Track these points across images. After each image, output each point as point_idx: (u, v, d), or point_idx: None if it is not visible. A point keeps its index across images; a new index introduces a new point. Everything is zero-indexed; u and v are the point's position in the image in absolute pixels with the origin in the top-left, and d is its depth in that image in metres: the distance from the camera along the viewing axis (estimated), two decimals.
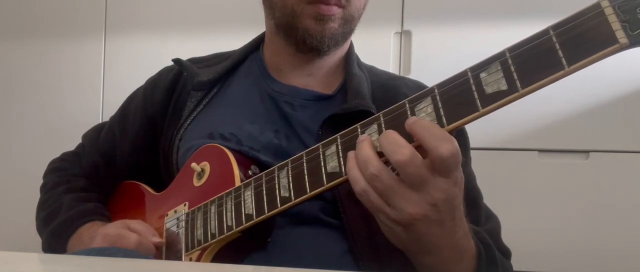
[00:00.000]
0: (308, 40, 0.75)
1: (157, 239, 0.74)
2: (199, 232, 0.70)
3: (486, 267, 0.60)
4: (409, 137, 0.51)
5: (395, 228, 0.54)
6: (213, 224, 0.68)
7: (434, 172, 0.50)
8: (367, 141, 0.53)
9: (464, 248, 0.58)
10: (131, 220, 0.78)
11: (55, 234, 0.82)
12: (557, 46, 0.45)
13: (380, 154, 0.52)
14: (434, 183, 0.50)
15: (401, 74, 1.44)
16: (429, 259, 0.57)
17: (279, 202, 0.61)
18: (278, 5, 0.77)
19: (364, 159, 0.52)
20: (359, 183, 0.52)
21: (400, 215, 0.52)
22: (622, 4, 0.42)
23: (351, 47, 0.86)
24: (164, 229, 0.77)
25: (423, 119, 0.51)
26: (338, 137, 0.58)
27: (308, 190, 0.58)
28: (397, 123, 0.53)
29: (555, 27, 0.46)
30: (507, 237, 0.75)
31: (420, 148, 0.51)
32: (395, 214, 0.52)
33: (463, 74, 0.51)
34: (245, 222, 0.64)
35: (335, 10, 0.74)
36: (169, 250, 0.75)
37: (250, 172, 0.71)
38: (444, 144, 0.49)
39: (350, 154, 0.54)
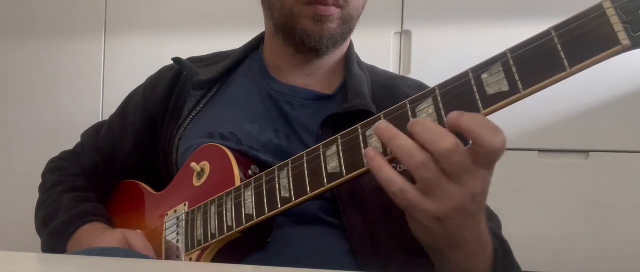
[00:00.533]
0: (306, 41, 0.75)
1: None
2: (199, 232, 0.70)
3: (502, 261, 0.59)
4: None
5: (433, 225, 0.51)
6: (213, 224, 0.68)
7: (477, 163, 0.48)
8: (393, 128, 0.50)
9: (486, 241, 0.56)
10: (131, 232, 0.77)
11: (55, 234, 0.82)
12: (559, 47, 0.45)
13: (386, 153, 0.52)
14: (476, 173, 0.48)
15: (401, 74, 1.44)
16: (456, 253, 0.55)
17: (279, 202, 0.61)
18: (276, 6, 0.77)
19: (408, 148, 0.49)
20: (396, 183, 0.50)
21: (441, 209, 0.49)
22: (625, 5, 0.42)
23: (351, 46, 0.86)
24: (164, 229, 0.77)
25: (468, 113, 0.48)
26: (339, 137, 0.58)
27: (308, 190, 0.58)
28: (398, 123, 0.53)
29: (557, 28, 0.46)
30: (507, 237, 0.75)
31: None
32: (435, 208, 0.50)
33: (464, 74, 0.50)
34: (246, 223, 0.64)
35: (334, 11, 0.73)
36: (168, 250, 0.75)
37: (250, 172, 0.71)
38: (498, 136, 0.47)
39: (371, 152, 0.51)
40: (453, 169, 0.48)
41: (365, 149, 0.54)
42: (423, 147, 0.49)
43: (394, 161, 0.52)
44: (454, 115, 0.48)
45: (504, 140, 0.47)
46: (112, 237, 0.76)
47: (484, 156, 0.48)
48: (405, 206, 0.51)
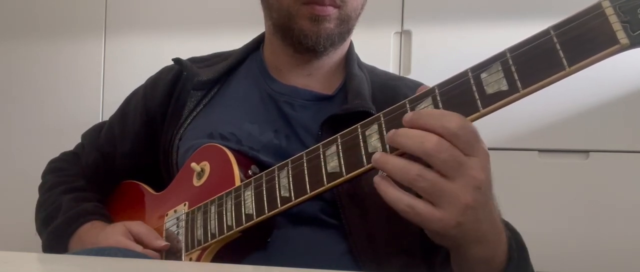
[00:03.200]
0: (304, 41, 0.75)
1: (160, 243, 0.73)
2: (199, 232, 0.70)
3: (515, 248, 0.57)
4: None
5: (452, 231, 0.50)
6: (213, 224, 0.68)
7: (463, 151, 0.48)
8: (384, 154, 0.51)
9: (500, 229, 0.55)
10: (132, 222, 0.77)
11: (55, 234, 0.82)
12: (558, 46, 0.45)
13: None
14: (470, 164, 0.48)
15: (401, 74, 1.44)
16: (477, 247, 0.53)
17: (279, 202, 0.61)
18: (274, 6, 0.77)
19: (400, 167, 0.49)
20: (402, 200, 0.50)
21: (453, 214, 0.49)
22: (623, 4, 0.42)
23: (351, 47, 0.86)
24: (164, 229, 0.77)
25: (419, 109, 0.50)
26: (338, 137, 0.58)
27: (308, 190, 0.58)
28: (398, 123, 0.53)
29: (556, 27, 0.46)
30: None
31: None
32: (448, 215, 0.49)
33: (463, 74, 0.51)
34: (246, 222, 0.64)
35: (331, 11, 0.74)
36: (169, 250, 0.75)
37: (250, 172, 0.71)
38: (451, 119, 0.47)
39: (377, 178, 0.52)
40: (446, 166, 0.48)
41: (364, 148, 0.55)
42: (412, 155, 0.49)
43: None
44: (407, 117, 0.50)
45: (456, 120, 0.47)
46: (114, 230, 0.76)
47: (458, 142, 0.48)
48: (418, 221, 0.51)
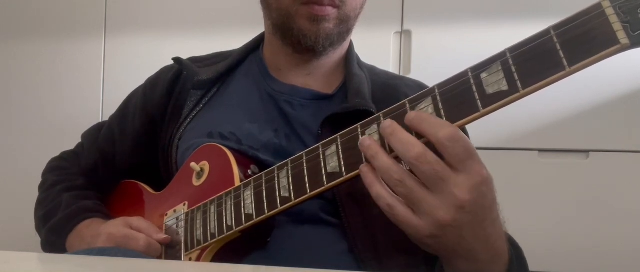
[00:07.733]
0: (303, 40, 0.75)
1: (162, 236, 0.73)
2: (199, 232, 0.70)
3: (517, 270, 0.57)
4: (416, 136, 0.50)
5: (427, 241, 0.51)
6: (213, 224, 0.68)
7: (452, 168, 0.48)
8: (375, 146, 0.52)
9: (499, 252, 0.54)
10: (131, 217, 0.77)
11: (54, 231, 0.82)
12: (558, 46, 0.45)
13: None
14: (455, 182, 0.48)
15: (401, 74, 1.44)
16: (465, 263, 0.53)
17: (278, 202, 0.61)
18: (273, 6, 0.77)
19: (386, 167, 0.50)
20: (384, 198, 0.51)
21: (430, 225, 0.49)
22: (623, 4, 0.42)
23: (351, 46, 0.86)
24: (164, 228, 0.77)
25: (422, 111, 0.51)
26: (338, 137, 0.58)
27: (308, 190, 0.58)
28: (398, 123, 0.53)
29: (556, 27, 0.46)
30: None
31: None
32: (424, 225, 0.50)
33: (464, 74, 0.50)
34: (245, 222, 0.64)
35: (330, 11, 0.74)
36: (168, 250, 0.75)
37: (249, 172, 0.71)
38: (442, 129, 0.48)
39: (364, 168, 0.53)
40: (426, 178, 0.48)
41: None
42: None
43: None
44: (409, 117, 0.50)
45: (449, 132, 0.47)
46: (115, 222, 0.76)
47: (446, 154, 0.48)
48: (395, 222, 0.52)
